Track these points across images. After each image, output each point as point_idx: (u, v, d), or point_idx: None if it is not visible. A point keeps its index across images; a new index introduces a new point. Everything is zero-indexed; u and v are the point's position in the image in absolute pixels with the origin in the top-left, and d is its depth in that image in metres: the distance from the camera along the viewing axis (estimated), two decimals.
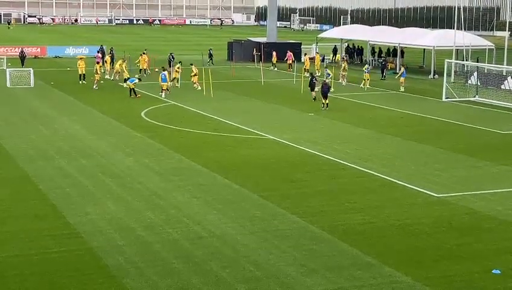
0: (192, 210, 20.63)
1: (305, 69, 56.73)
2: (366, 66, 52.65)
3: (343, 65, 53.40)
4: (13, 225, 19.17)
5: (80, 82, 50.46)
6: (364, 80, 50.43)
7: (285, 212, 20.48)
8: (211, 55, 66.44)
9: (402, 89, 49.37)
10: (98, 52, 62.03)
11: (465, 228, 19.46)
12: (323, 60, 64.13)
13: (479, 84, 47.76)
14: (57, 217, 19.80)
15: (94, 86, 47.65)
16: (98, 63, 51.11)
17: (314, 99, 42.29)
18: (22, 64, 59.36)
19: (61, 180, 23.82)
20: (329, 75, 46.87)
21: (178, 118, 36.65)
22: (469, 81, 49.85)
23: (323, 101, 40.08)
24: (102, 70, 52.64)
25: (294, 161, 27.32)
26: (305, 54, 63.16)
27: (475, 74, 49.44)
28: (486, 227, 19.52)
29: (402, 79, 49.79)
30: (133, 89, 43.67)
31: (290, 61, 61.49)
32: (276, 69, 62.31)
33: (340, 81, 51.61)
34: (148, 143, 30.18)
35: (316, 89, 42.24)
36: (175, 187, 23.14)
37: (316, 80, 43.16)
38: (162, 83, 44.16)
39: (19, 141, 30.20)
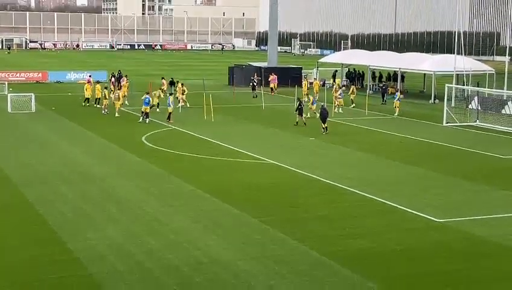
0: (192, 235, 20.58)
1: (305, 94, 56.59)
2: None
3: (351, 89, 53.70)
4: (13, 250, 19.13)
5: (95, 105, 50.66)
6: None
7: (285, 237, 20.43)
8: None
9: (396, 113, 48.93)
10: (112, 76, 61.23)
11: (465, 253, 19.40)
12: (323, 85, 64.05)
13: (479, 108, 47.83)
14: (57, 243, 19.75)
15: (116, 114, 46.75)
16: (120, 89, 50.61)
17: (297, 123, 42.68)
18: None
19: (61, 205, 23.80)
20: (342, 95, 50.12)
21: (179, 142, 36.68)
22: (470, 106, 49.94)
23: (323, 126, 40.16)
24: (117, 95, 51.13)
25: (294, 185, 27.31)
26: (305, 76, 62.88)
27: (476, 98, 49.53)
28: (487, 253, 19.46)
29: (397, 103, 49.36)
30: (170, 112, 43.62)
31: (272, 85, 60.66)
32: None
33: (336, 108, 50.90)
34: (148, 168, 30.18)
35: (305, 115, 43.08)
36: (175, 212, 23.11)
37: (303, 105, 43.47)
38: (144, 107, 43.69)
39: (19, 166, 30.21)
